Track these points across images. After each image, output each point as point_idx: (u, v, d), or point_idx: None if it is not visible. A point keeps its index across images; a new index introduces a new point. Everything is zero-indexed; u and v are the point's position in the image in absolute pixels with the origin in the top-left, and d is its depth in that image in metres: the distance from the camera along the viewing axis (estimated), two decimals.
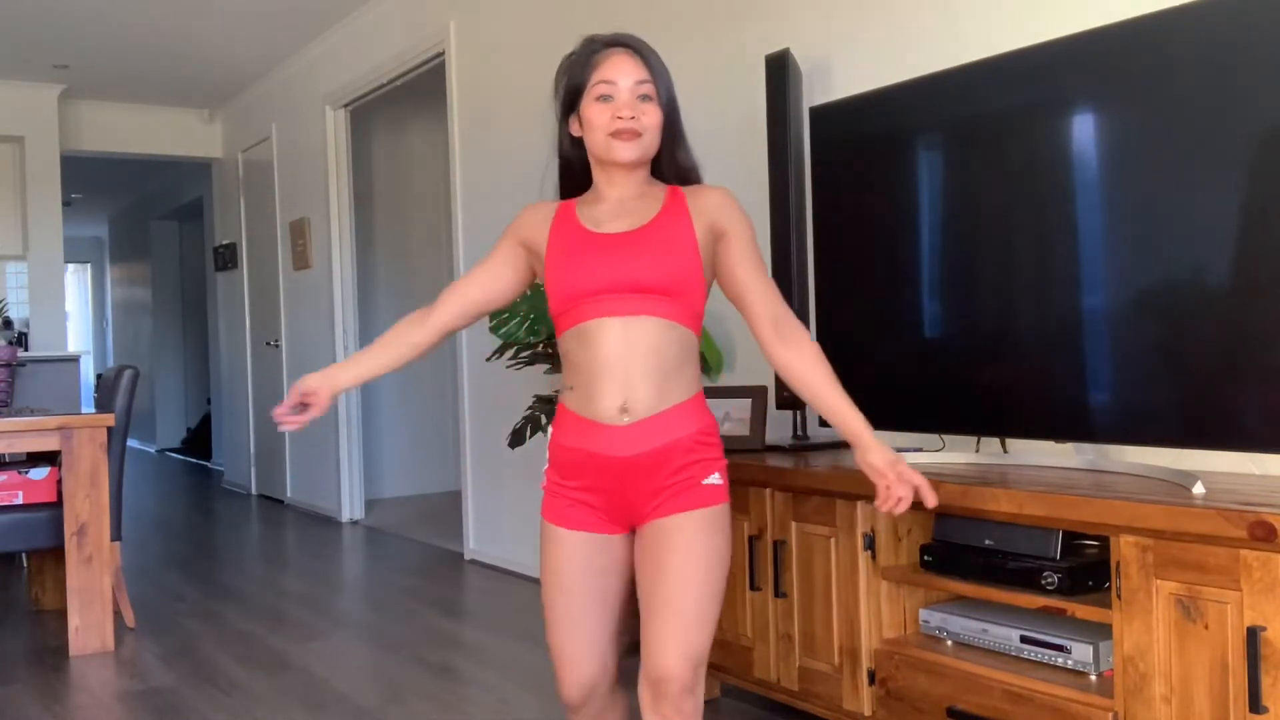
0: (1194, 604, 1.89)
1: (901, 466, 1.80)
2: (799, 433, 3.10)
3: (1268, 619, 1.78)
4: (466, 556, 5.24)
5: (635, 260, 1.79)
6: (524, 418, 3.70)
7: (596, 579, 1.87)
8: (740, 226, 1.85)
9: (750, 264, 1.85)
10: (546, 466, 1.90)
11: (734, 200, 1.88)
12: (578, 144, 1.91)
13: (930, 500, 1.81)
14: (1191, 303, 2.11)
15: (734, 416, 3.07)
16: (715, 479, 1.82)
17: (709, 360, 3.48)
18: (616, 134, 1.80)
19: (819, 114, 2.88)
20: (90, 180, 10.44)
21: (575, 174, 1.94)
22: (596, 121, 1.81)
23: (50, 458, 4.28)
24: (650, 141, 1.83)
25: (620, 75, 1.81)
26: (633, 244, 1.81)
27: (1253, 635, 1.79)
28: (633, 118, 1.80)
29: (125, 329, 12.98)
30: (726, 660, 2.91)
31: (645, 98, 1.82)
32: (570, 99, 1.87)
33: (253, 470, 8.02)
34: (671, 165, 1.90)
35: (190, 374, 11.80)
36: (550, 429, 1.86)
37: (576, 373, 1.82)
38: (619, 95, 1.81)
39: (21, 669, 3.60)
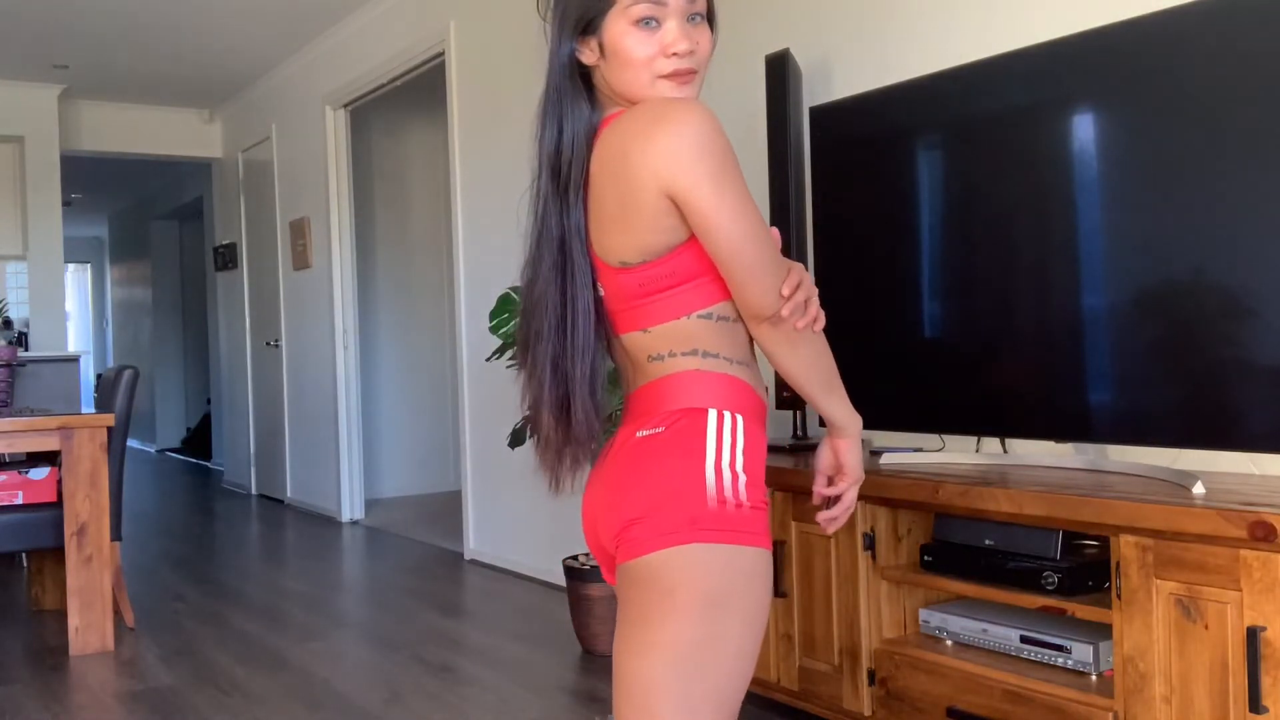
0: (1194, 604, 1.89)
1: None
2: (799, 433, 3.10)
3: (1268, 619, 1.78)
4: (466, 556, 5.23)
5: None
6: (524, 418, 3.70)
7: None
8: None
9: None
10: (742, 463, 1.35)
11: None
12: (584, 78, 1.41)
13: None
14: (1192, 303, 2.11)
15: None
16: None
17: None
18: (672, 76, 1.35)
19: (819, 114, 2.88)
20: (90, 180, 10.44)
21: (585, 120, 1.40)
22: (636, 54, 1.34)
23: (50, 458, 4.28)
24: (703, 78, 1.40)
25: None
26: None
27: (1253, 635, 1.79)
28: (690, 51, 1.35)
29: (125, 329, 12.98)
30: None
31: (697, 18, 1.37)
32: (587, 18, 1.36)
33: (253, 470, 8.02)
34: None
35: (190, 374, 11.80)
36: (737, 418, 1.37)
37: (743, 347, 1.41)
38: (667, 18, 1.34)
39: (21, 669, 3.60)
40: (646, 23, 1.33)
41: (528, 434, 3.70)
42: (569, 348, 1.40)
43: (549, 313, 1.41)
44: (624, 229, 1.34)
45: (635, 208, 1.32)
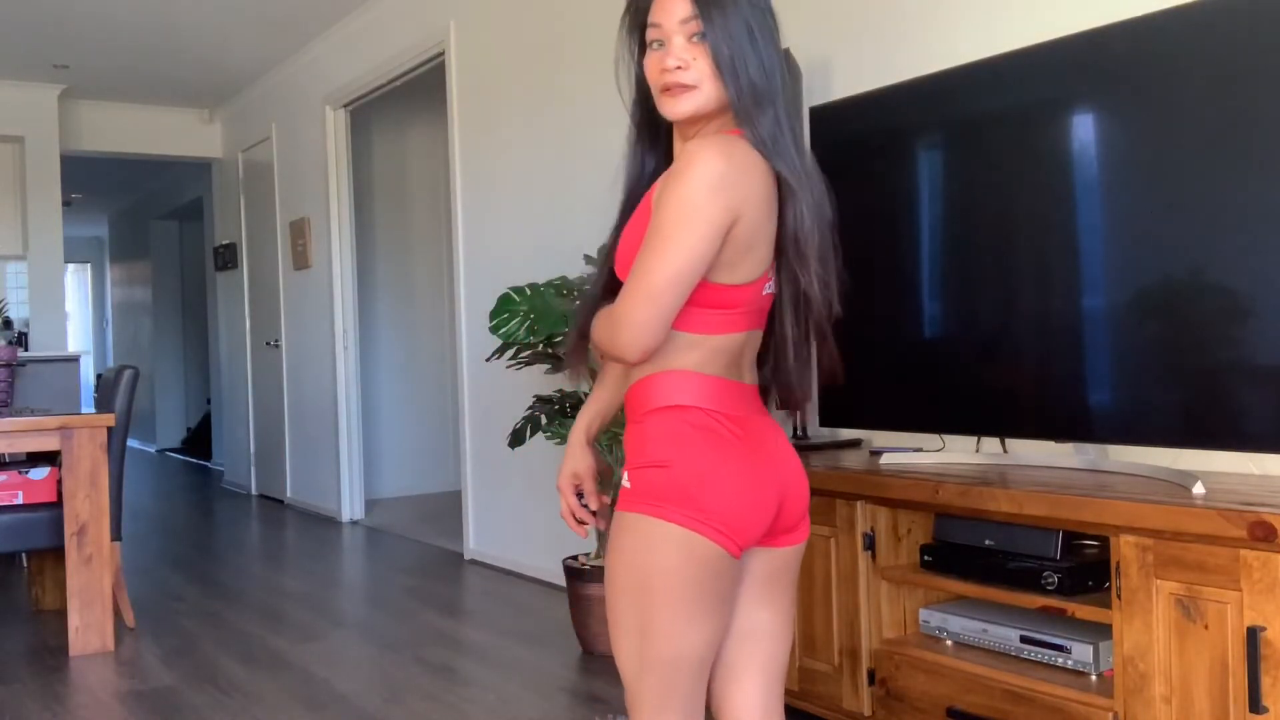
0: (1194, 604, 1.89)
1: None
2: (799, 433, 3.10)
3: (1268, 619, 1.78)
4: (466, 556, 5.23)
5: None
6: (524, 418, 3.70)
7: None
8: (659, 206, 1.44)
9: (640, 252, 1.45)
10: None
11: (684, 169, 1.41)
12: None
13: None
14: (1191, 303, 2.11)
15: None
16: (625, 481, 1.51)
17: None
18: (666, 89, 1.50)
19: (819, 114, 2.87)
20: (90, 180, 10.44)
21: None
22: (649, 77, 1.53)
23: (50, 458, 4.28)
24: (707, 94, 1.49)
25: (665, 16, 1.49)
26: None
27: (1253, 635, 1.79)
28: (679, 67, 1.48)
29: (125, 329, 12.98)
30: None
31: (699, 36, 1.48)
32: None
33: (253, 470, 8.02)
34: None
35: (190, 374, 11.80)
36: None
37: None
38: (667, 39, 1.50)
39: (21, 669, 3.60)
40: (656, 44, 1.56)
41: (528, 433, 3.70)
42: None
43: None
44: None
45: None
